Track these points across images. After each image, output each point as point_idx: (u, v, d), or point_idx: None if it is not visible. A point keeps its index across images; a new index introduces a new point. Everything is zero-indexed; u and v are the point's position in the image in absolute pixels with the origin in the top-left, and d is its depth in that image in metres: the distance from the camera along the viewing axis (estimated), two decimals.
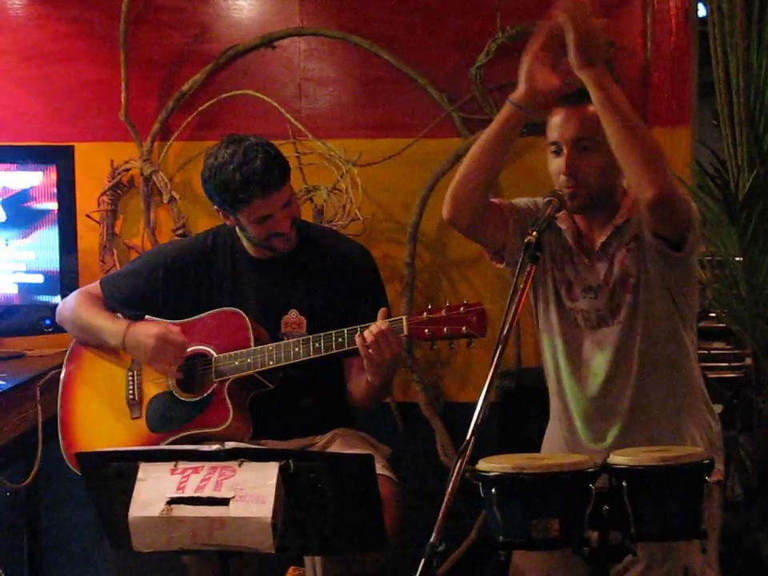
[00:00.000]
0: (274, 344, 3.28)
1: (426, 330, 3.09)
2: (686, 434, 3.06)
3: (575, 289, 3.10)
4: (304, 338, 3.26)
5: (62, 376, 3.56)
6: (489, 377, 2.56)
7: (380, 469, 3.05)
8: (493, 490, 2.58)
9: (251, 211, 3.31)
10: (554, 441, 3.19)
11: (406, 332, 3.10)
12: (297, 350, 3.24)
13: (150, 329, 3.38)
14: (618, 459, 2.63)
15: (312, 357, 3.22)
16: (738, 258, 4.10)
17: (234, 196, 3.30)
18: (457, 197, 3.03)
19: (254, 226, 3.35)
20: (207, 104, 4.51)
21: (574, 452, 3.08)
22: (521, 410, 4.23)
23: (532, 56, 2.92)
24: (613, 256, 3.06)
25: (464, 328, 3.05)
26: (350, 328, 3.17)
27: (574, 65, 2.85)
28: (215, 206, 3.41)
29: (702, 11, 4.51)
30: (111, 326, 3.45)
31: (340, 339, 3.18)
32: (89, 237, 4.52)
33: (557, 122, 3.02)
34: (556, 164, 3.01)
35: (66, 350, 3.61)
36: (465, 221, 3.07)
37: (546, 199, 2.87)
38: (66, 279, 4.28)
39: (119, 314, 3.52)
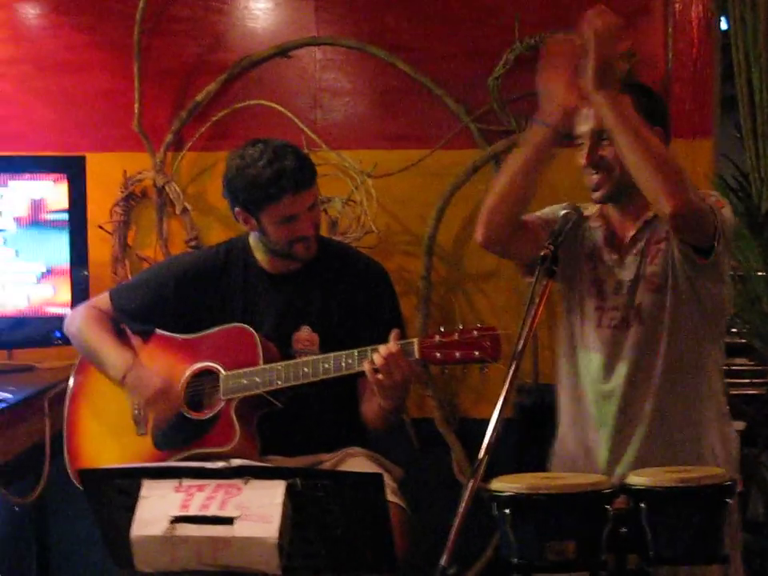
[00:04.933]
0: (283, 363, 3.21)
1: (438, 354, 3.01)
2: (706, 446, 2.99)
3: (606, 286, 3.04)
4: (314, 357, 3.19)
5: (68, 389, 3.50)
6: (503, 393, 2.50)
7: (389, 495, 2.98)
8: (506, 511, 2.52)
9: (279, 209, 3.24)
10: (568, 449, 3.12)
11: (417, 355, 3.02)
12: (306, 370, 3.17)
13: (152, 378, 3.31)
14: (637, 480, 2.56)
15: (321, 378, 3.16)
16: (760, 273, 4.04)
17: (264, 192, 3.23)
18: (492, 221, 2.98)
19: (278, 227, 3.27)
20: (221, 114, 4.47)
21: (589, 462, 3.00)
22: (538, 426, 4.15)
23: (549, 73, 2.88)
24: (642, 251, 3.01)
25: (477, 353, 2.97)
26: (360, 349, 3.09)
27: (588, 85, 2.81)
28: (237, 208, 3.31)
29: (724, 25, 4.45)
30: (114, 360, 3.38)
31: (350, 361, 3.10)
32: (100, 248, 4.47)
33: (579, 116, 2.97)
34: (580, 156, 2.97)
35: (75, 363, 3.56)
36: (500, 243, 3.04)
37: (564, 212, 2.82)
38: (76, 291, 4.24)
39: (127, 328, 3.45)
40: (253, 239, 3.42)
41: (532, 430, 4.15)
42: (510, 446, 4.06)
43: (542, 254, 2.66)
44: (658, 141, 2.86)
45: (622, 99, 2.84)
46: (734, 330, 4.15)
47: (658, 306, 2.97)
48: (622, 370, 3.00)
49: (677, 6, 4.36)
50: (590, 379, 3.04)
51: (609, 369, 3.02)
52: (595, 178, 2.98)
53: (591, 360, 3.04)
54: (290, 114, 4.43)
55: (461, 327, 3.01)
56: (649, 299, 2.98)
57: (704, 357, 3.02)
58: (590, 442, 3.05)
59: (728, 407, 3.09)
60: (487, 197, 3.01)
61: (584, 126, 2.98)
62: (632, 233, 3.03)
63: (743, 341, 4.14)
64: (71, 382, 3.51)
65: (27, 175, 4.28)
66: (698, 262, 2.92)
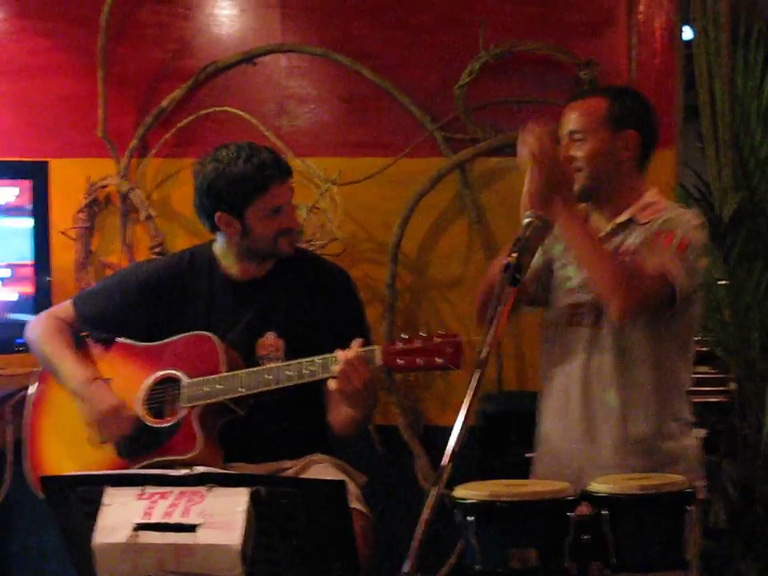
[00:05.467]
0: (246, 370, 3.21)
1: (400, 361, 3.01)
2: (669, 455, 3.01)
3: (573, 282, 3.08)
4: (276, 365, 3.19)
5: (30, 397, 3.47)
6: (466, 400, 2.50)
7: (352, 502, 2.98)
8: (469, 518, 2.53)
9: (266, 201, 3.25)
10: (549, 454, 3.13)
11: (380, 362, 3.03)
12: (269, 377, 3.16)
13: (107, 398, 3.29)
14: (599, 487, 2.57)
15: (283, 385, 3.16)
16: (722, 282, 4.07)
17: (251, 185, 3.24)
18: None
19: (265, 221, 3.28)
20: (186, 120, 4.45)
21: (568, 466, 3.02)
22: (501, 434, 4.17)
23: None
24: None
25: (439, 359, 2.98)
26: (323, 356, 3.09)
27: (536, 199, 2.88)
28: (218, 213, 3.29)
29: (687, 33, 4.49)
30: (72, 372, 3.35)
31: (313, 368, 3.10)
32: (64, 254, 4.46)
33: (560, 119, 3.07)
34: None
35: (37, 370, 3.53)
36: None
37: (527, 220, 2.83)
38: (39, 297, 4.22)
39: (88, 337, 3.43)
40: (219, 246, 3.41)
41: (495, 438, 4.17)
42: (474, 452, 4.07)
43: (505, 261, 2.66)
44: (604, 249, 2.92)
45: (573, 212, 2.89)
46: (695, 338, 4.18)
47: (597, 309, 3.01)
48: (594, 370, 3.02)
49: (640, 16, 4.39)
50: (566, 379, 3.06)
51: (584, 369, 3.04)
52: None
53: (566, 360, 3.06)
54: (255, 121, 4.42)
55: (423, 334, 3.02)
56: (594, 300, 3.01)
57: (672, 364, 3.05)
58: (568, 447, 3.06)
59: (683, 409, 3.11)
60: (480, 295, 3.08)
61: (561, 129, 3.05)
62: (602, 233, 3.05)
63: (705, 349, 4.16)
64: (33, 389, 3.48)
65: None
66: (664, 314, 2.96)
